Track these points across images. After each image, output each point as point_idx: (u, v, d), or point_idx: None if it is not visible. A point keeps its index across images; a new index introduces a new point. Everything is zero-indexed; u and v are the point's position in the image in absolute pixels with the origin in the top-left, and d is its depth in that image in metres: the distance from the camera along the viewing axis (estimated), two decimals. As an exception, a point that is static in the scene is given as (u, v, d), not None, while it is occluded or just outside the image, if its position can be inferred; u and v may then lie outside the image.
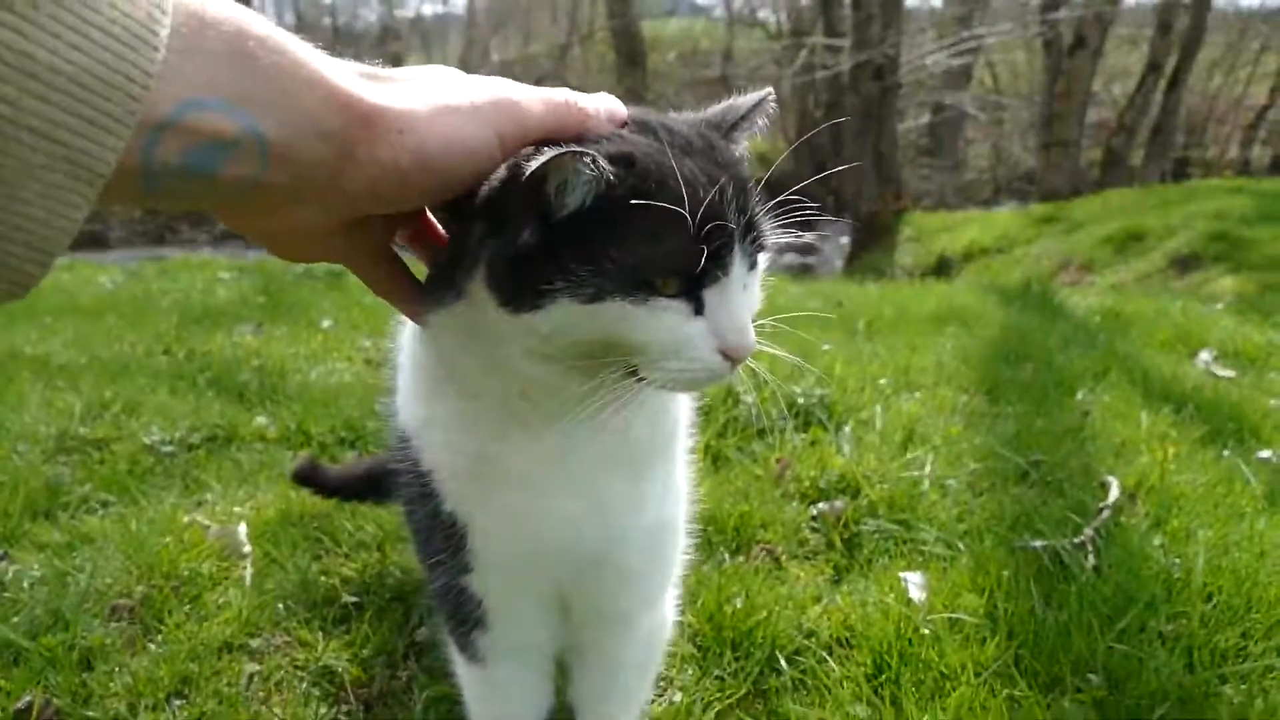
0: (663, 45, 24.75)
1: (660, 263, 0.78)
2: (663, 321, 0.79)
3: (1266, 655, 1.55)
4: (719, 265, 0.80)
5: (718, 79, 22.71)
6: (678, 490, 1.11)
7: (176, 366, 3.32)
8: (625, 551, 1.06)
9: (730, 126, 0.92)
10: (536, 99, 0.75)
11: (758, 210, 0.84)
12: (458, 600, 1.10)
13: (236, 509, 2.15)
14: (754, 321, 0.86)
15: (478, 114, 0.72)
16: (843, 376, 2.98)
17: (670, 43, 25.58)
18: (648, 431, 1.01)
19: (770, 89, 0.96)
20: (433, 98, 0.70)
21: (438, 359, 0.95)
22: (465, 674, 1.21)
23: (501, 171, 0.75)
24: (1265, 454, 2.53)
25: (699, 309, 0.81)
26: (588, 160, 0.74)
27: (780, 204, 0.88)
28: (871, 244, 13.85)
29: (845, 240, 15.27)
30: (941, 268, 11.77)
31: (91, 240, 14.73)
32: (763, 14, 25.32)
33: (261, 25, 0.60)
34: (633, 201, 0.75)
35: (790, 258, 16.49)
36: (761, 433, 2.58)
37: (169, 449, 2.54)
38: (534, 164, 0.72)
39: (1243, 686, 1.48)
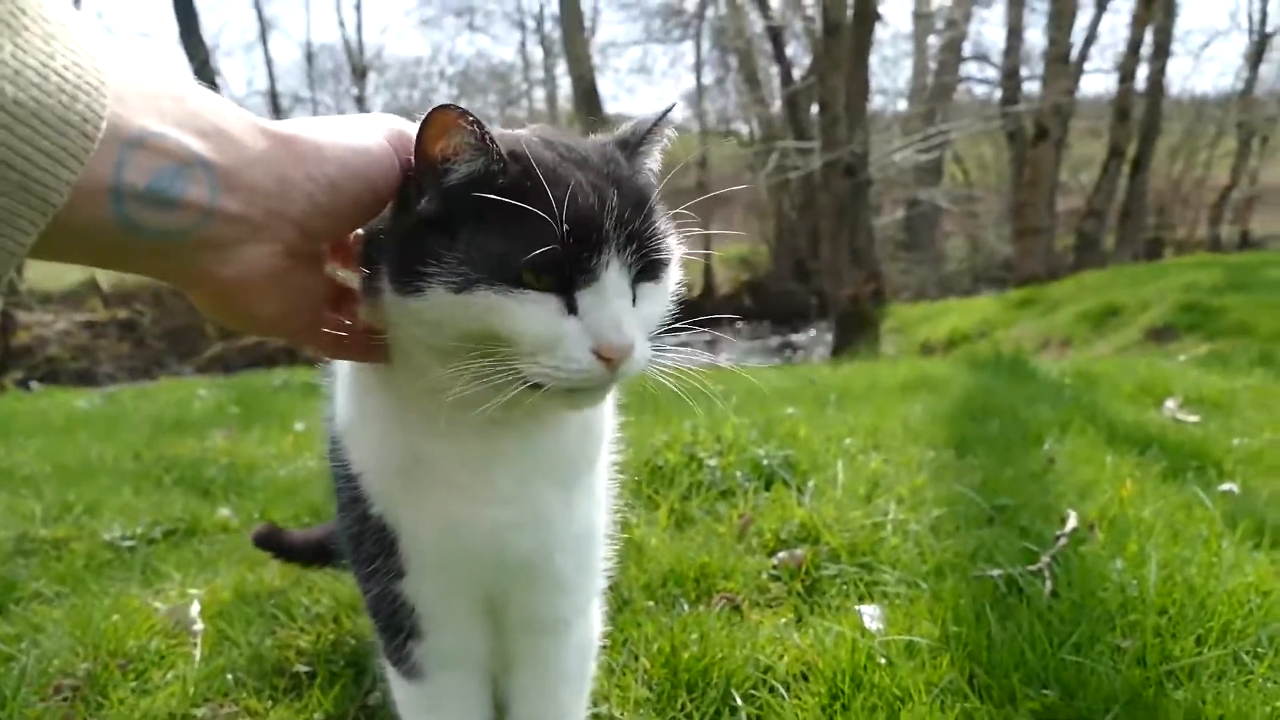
0: (639, 159, 25.38)
1: (526, 256, 0.80)
2: (532, 314, 0.82)
3: (1220, 661, 1.53)
4: (590, 268, 0.83)
5: (695, 186, 23.28)
6: (600, 501, 1.15)
7: (143, 469, 3.31)
8: (556, 559, 1.08)
9: (639, 142, 0.96)
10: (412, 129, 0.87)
11: (649, 226, 0.87)
12: (391, 609, 1.10)
13: (192, 590, 2.13)
14: (652, 338, 0.90)
15: (375, 131, 0.82)
16: (807, 438, 2.99)
17: (646, 156, 26.24)
18: (577, 444, 1.04)
19: (675, 102, 1.02)
20: (337, 124, 0.80)
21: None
22: (401, 692, 1.19)
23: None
24: (1227, 486, 2.53)
25: (573, 309, 0.83)
26: (471, 120, 0.79)
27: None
28: (855, 337, 13.94)
29: (829, 336, 15.40)
30: (924, 356, 11.87)
31: (79, 377, 14.75)
32: (735, 124, 26.16)
33: (179, 76, 0.68)
34: (508, 195, 0.79)
35: (774, 352, 16.62)
36: (725, 494, 2.58)
37: (128, 544, 2.52)
38: (423, 120, 0.79)
39: (1194, 685, 1.45)
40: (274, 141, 0.72)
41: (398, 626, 1.11)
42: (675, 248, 0.93)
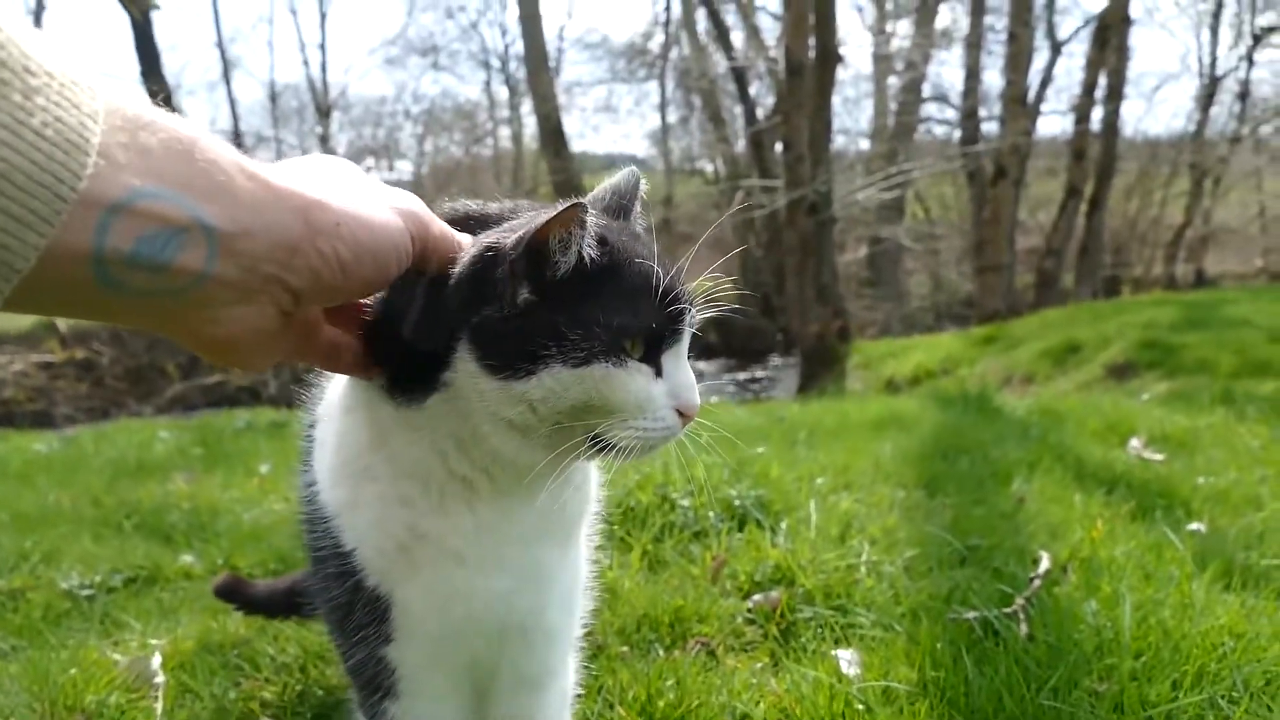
0: (606, 197, 25.54)
1: (636, 326, 0.88)
2: (637, 381, 0.90)
3: (1198, 706, 1.53)
4: (677, 329, 0.92)
5: (661, 223, 23.43)
6: (584, 551, 1.18)
7: (104, 515, 3.24)
8: (550, 614, 1.10)
9: (628, 210, 1.04)
10: (437, 224, 0.84)
11: (689, 292, 0.97)
12: (374, 671, 1.09)
13: (153, 641, 2.07)
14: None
15: (396, 213, 0.78)
16: (779, 478, 2.98)
17: (613, 195, 26.41)
18: (575, 501, 1.07)
19: (633, 168, 1.06)
20: (356, 195, 0.75)
21: (373, 440, 0.98)
22: None
23: (472, 251, 0.85)
24: (1195, 526, 2.55)
25: (659, 372, 0.92)
26: (585, 215, 0.84)
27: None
28: (821, 373, 14.03)
29: (795, 372, 15.50)
30: (890, 392, 11.97)
31: (37, 419, 14.43)
32: (700, 163, 26.40)
33: (192, 128, 0.64)
34: (610, 275, 0.88)
35: (741, 388, 16.66)
36: (698, 535, 2.56)
37: (87, 593, 2.45)
38: (540, 221, 0.83)
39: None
40: (288, 208, 0.68)
41: (376, 686, 1.10)
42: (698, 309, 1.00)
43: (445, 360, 0.88)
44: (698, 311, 0.97)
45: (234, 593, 1.91)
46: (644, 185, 1.06)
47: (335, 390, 1.06)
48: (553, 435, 0.91)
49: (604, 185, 1.05)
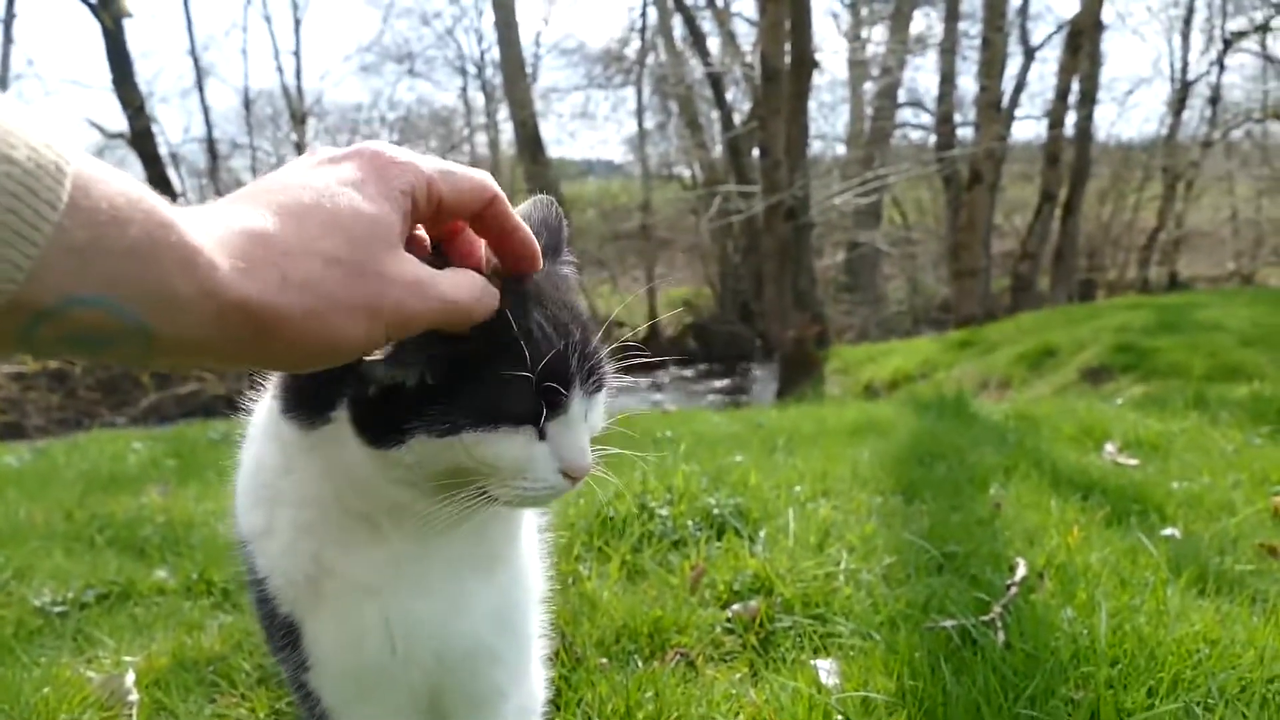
0: (582, 203, 25.58)
1: (504, 402, 0.86)
2: (510, 444, 0.88)
3: (1174, 715, 1.54)
4: (559, 408, 0.89)
5: (638, 230, 23.46)
6: (525, 569, 1.14)
7: (76, 530, 3.20)
8: (490, 636, 1.08)
9: (558, 249, 0.99)
10: (433, 301, 0.74)
11: (596, 349, 0.93)
12: (303, 694, 1.08)
13: (127, 658, 2.05)
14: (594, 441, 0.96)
15: (364, 315, 0.70)
16: (757, 485, 2.99)
17: (590, 200, 26.44)
18: (498, 529, 1.06)
19: (549, 197, 1.02)
20: (325, 292, 0.68)
21: (283, 464, 0.97)
22: None
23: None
24: (1169, 531, 2.57)
25: (542, 434, 0.89)
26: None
27: (621, 349, 0.98)
28: (800, 378, 14.09)
29: (774, 377, 15.54)
30: (868, 396, 12.03)
31: (8, 431, 14.22)
32: (677, 168, 26.44)
33: (178, 227, 0.60)
34: (485, 355, 0.84)
35: (720, 395, 16.69)
36: (677, 544, 2.56)
37: (60, 609, 2.42)
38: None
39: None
40: (241, 324, 0.63)
41: (310, 708, 1.09)
42: (611, 368, 0.97)
43: (331, 403, 0.89)
44: (598, 379, 0.93)
45: None
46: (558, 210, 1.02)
47: (260, 409, 1.04)
48: (441, 488, 0.90)
49: (529, 215, 0.97)
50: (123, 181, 0.58)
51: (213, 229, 0.63)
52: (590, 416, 0.94)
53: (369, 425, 0.87)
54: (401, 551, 0.98)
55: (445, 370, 0.84)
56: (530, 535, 1.16)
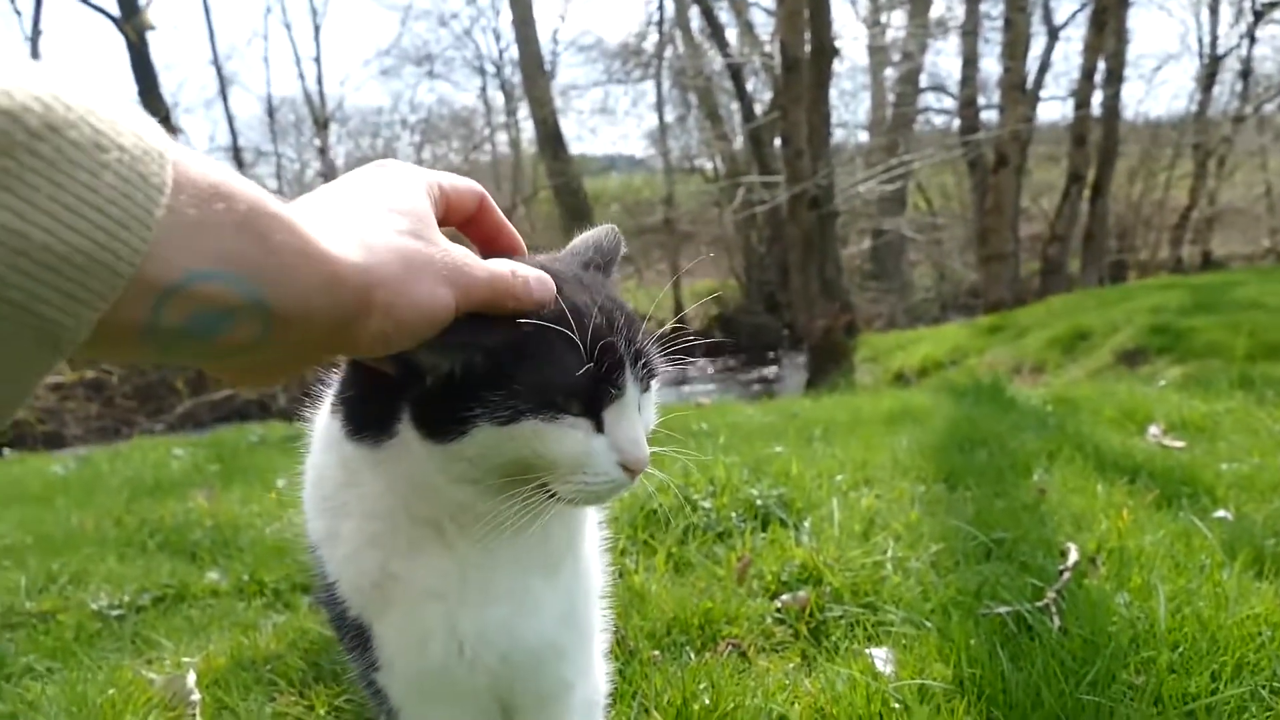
0: (606, 198, 25.58)
1: (561, 383, 0.87)
2: (570, 437, 0.89)
3: (1239, 699, 1.53)
4: (614, 385, 0.90)
5: (662, 224, 23.42)
6: (588, 567, 1.16)
7: (126, 535, 3.25)
8: (555, 633, 1.09)
9: (608, 264, 1.03)
10: (484, 272, 0.80)
11: (645, 342, 0.95)
12: (373, 691, 1.11)
13: (186, 659, 2.08)
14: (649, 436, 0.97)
15: (443, 280, 0.75)
16: (799, 475, 2.98)
17: (613, 195, 26.43)
18: (561, 529, 1.07)
19: (614, 227, 1.07)
20: (408, 258, 0.73)
21: (346, 478, 1.00)
22: None
23: None
24: (1221, 513, 2.54)
25: (600, 427, 0.91)
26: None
27: (669, 336, 0.99)
28: (829, 368, 14.02)
29: (803, 368, 15.48)
30: (899, 384, 11.94)
31: (48, 440, 14.41)
32: (699, 161, 26.37)
33: (273, 203, 0.63)
34: (542, 330, 0.85)
35: (750, 386, 16.65)
36: (722, 535, 2.57)
37: (117, 613, 2.46)
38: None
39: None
40: (350, 288, 0.67)
41: (379, 704, 1.12)
42: (660, 363, 0.99)
43: (395, 415, 0.90)
44: (655, 364, 0.95)
45: None
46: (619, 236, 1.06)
47: (319, 422, 1.07)
48: (503, 486, 0.91)
49: (585, 238, 1.05)
50: (215, 164, 0.60)
51: (297, 209, 0.67)
52: (644, 410, 0.96)
53: (430, 419, 0.88)
54: (467, 557, 0.99)
55: (502, 357, 0.85)
56: (592, 532, 1.17)
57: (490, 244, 0.92)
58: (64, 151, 0.49)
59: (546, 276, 0.86)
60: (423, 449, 0.89)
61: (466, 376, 0.86)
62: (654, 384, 0.98)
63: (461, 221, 0.89)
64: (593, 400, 0.90)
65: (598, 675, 1.24)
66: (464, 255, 0.78)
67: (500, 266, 0.81)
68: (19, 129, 0.46)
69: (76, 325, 0.51)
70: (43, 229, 0.48)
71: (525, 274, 0.83)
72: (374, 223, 0.73)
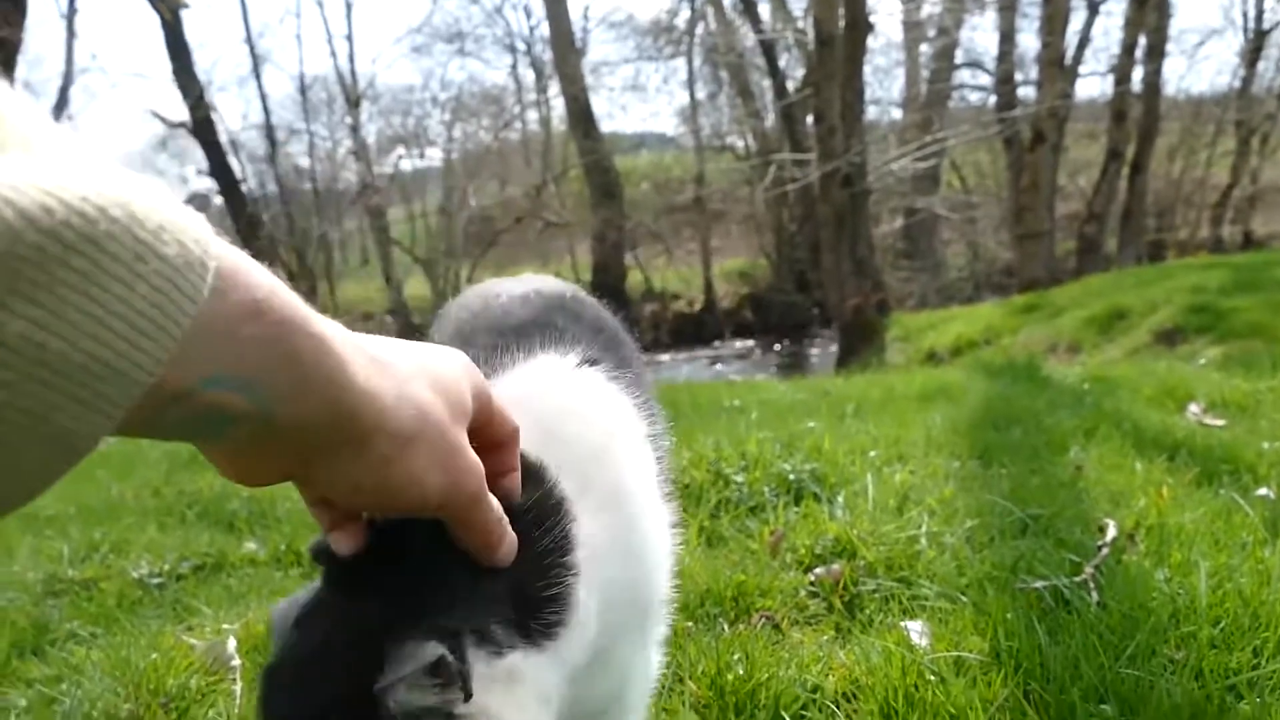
0: (636, 176, 25.51)
1: None
2: None
3: (1281, 670, 1.51)
4: None
5: (693, 202, 23.35)
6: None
7: (165, 506, 3.30)
8: (615, 693, 1.10)
9: None
10: (478, 495, 0.77)
11: None
12: None
13: (226, 626, 2.11)
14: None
15: (441, 468, 0.74)
16: (831, 451, 2.97)
17: (643, 174, 26.35)
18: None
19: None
20: (423, 425, 0.71)
21: None
22: None
23: None
24: (1263, 491, 2.50)
25: None
26: None
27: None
28: (860, 347, 13.96)
29: (834, 347, 15.42)
30: (932, 363, 11.86)
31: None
32: (730, 139, 26.22)
33: (317, 323, 0.62)
34: None
35: (780, 364, 16.61)
36: (754, 509, 2.57)
37: (157, 581, 2.51)
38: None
39: (1258, 700, 1.43)
40: (357, 429, 0.66)
41: None
42: None
43: None
44: None
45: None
46: None
47: None
48: None
49: None
50: (263, 273, 0.59)
51: (340, 332, 0.65)
52: None
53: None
54: None
55: None
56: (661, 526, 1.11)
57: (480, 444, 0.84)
58: (100, 264, 0.48)
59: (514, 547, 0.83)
60: None
61: None
62: None
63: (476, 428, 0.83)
64: None
65: (654, 653, 1.20)
66: (474, 463, 0.76)
67: (496, 506, 0.79)
68: (55, 244, 0.45)
69: (90, 433, 0.49)
70: (63, 339, 0.47)
71: (506, 533, 0.82)
72: (413, 377, 0.72)
